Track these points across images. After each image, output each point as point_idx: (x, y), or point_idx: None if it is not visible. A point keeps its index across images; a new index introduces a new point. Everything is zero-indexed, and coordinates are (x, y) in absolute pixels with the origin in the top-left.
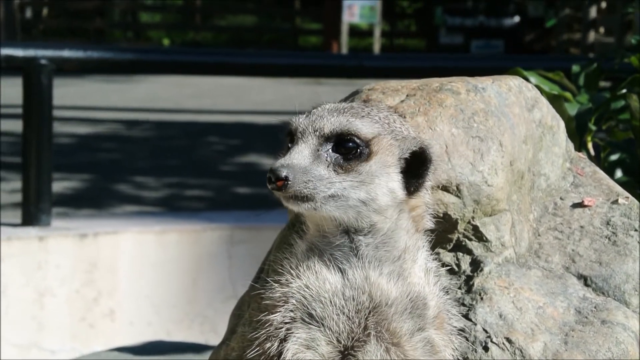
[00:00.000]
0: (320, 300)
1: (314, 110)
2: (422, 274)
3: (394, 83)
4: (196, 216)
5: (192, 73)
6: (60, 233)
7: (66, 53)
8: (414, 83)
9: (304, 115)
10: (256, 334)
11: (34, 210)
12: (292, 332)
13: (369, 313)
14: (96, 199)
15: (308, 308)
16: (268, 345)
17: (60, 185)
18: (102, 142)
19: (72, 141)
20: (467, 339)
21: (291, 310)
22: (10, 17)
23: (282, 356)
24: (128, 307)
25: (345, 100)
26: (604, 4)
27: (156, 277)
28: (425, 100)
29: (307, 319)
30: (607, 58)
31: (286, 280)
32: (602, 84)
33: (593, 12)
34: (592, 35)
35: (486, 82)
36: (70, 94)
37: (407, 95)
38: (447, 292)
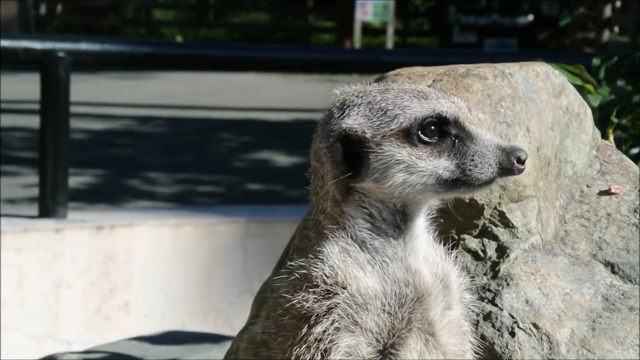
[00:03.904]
0: (365, 308)
1: (432, 94)
2: (434, 250)
3: (420, 69)
4: (211, 210)
5: (210, 68)
6: (77, 225)
7: (83, 46)
8: (440, 69)
9: (447, 101)
10: (290, 343)
11: (50, 203)
12: (335, 343)
13: (415, 304)
14: (110, 195)
15: (354, 317)
16: (308, 356)
17: (74, 181)
18: (116, 138)
19: (86, 137)
20: (493, 325)
21: (335, 321)
22: (25, 14)
23: None
24: (143, 299)
25: None
26: (618, 3)
27: (171, 270)
28: (452, 85)
29: (351, 327)
30: (625, 55)
31: (323, 289)
32: (619, 83)
33: (607, 11)
34: (606, 34)
35: (513, 68)
36: (84, 90)
37: (433, 81)
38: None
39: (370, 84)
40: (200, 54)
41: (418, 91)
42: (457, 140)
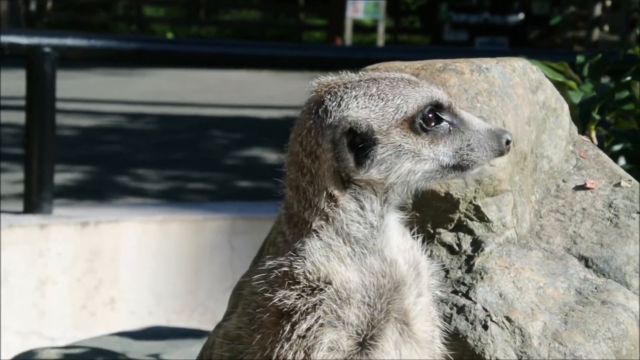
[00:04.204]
0: (348, 302)
1: (422, 82)
2: (404, 238)
3: (397, 63)
4: (198, 206)
5: (198, 65)
6: (62, 221)
7: (70, 41)
8: (418, 63)
9: (439, 89)
10: (270, 340)
11: (35, 199)
12: (318, 340)
13: (392, 294)
14: (98, 191)
15: (337, 312)
16: (290, 354)
17: (62, 177)
18: (106, 134)
19: (75, 133)
20: (466, 318)
21: (320, 317)
22: (15, 10)
23: None
24: (129, 296)
25: None
26: (608, 2)
27: (158, 266)
28: (429, 79)
29: (334, 323)
30: (612, 52)
31: (306, 285)
32: (604, 80)
33: (598, 9)
34: (596, 33)
35: (490, 63)
36: (73, 87)
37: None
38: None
39: (347, 74)
40: (188, 50)
41: (408, 80)
42: (451, 127)
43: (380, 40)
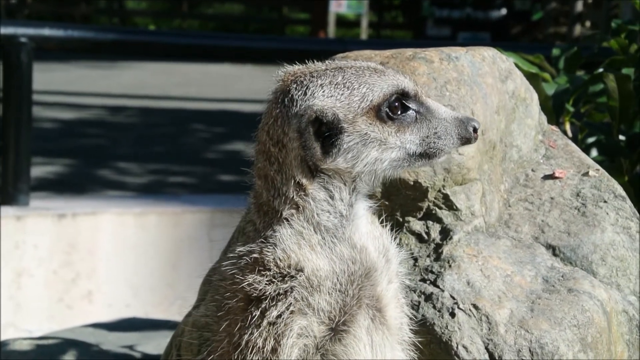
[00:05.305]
0: (319, 289)
1: (388, 71)
2: (373, 226)
3: (367, 52)
4: (177, 199)
5: (176, 57)
6: (39, 213)
7: (47, 31)
8: (388, 52)
9: (405, 77)
10: (239, 327)
11: (12, 190)
12: (289, 326)
13: (363, 280)
14: (79, 184)
15: (308, 299)
16: (260, 340)
17: (43, 170)
18: (87, 127)
19: (56, 126)
20: (433, 306)
21: (291, 304)
22: None
23: (279, 352)
24: (106, 288)
25: None
26: None
27: (135, 259)
28: (399, 67)
29: (305, 310)
30: (587, 46)
31: (276, 272)
32: (580, 73)
33: (579, 5)
34: (578, 29)
35: (460, 52)
36: (56, 80)
37: (380, 63)
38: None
39: (313, 63)
40: (166, 41)
41: (374, 68)
42: (418, 115)
43: (364, 35)
